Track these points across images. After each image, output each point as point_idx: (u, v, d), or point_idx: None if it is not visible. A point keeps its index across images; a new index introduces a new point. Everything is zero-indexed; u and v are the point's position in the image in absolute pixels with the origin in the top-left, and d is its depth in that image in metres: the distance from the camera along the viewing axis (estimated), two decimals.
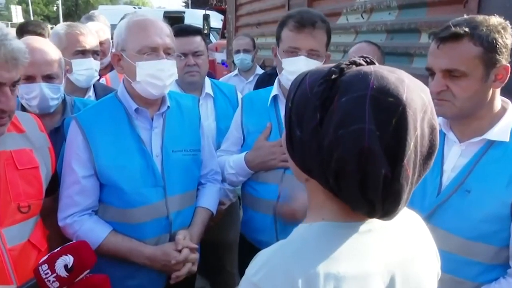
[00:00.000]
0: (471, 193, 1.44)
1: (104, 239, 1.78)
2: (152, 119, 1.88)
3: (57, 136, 1.97)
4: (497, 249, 1.40)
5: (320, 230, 0.88)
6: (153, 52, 1.77)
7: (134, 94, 1.85)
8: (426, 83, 0.88)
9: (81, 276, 1.39)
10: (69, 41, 2.42)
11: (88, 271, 1.42)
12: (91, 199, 1.82)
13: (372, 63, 0.87)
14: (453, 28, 1.40)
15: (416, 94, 0.79)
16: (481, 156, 1.46)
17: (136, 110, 1.84)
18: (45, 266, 1.35)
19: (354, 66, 0.85)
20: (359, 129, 0.76)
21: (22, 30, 3.33)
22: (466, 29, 1.38)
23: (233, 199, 2.62)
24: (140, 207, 1.80)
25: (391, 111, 0.76)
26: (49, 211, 1.76)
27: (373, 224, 0.89)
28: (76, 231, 1.79)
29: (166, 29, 1.84)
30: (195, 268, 1.93)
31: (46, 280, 1.34)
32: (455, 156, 1.53)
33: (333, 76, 0.82)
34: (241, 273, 0.91)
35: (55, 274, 1.34)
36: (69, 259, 1.36)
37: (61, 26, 2.53)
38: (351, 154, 0.77)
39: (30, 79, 1.89)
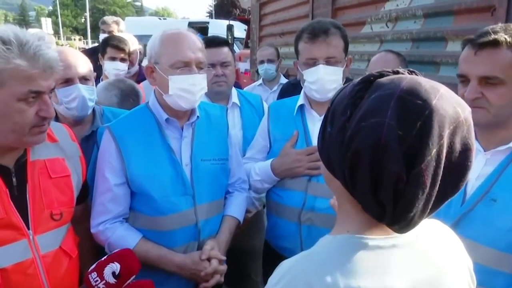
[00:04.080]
0: (497, 202, 1.40)
1: (134, 246, 1.80)
2: (182, 129, 1.91)
3: (88, 145, 2.02)
4: None
5: (344, 243, 0.87)
6: (186, 66, 1.79)
7: (165, 105, 1.88)
8: (455, 91, 0.86)
9: (128, 282, 1.45)
10: None
11: (134, 276, 1.47)
12: (122, 206, 1.86)
13: (415, 74, 0.86)
14: (493, 35, 1.38)
15: (450, 105, 0.78)
16: (507, 165, 1.43)
17: (167, 120, 1.88)
18: (94, 274, 1.43)
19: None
20: (378, 122, 0.76)
21: (106, 44, 3.46)
22: (506, 36, 1.36)
23: (259, 207, 2.62)
24: (169, 215, 1.83)
25: (417, 113, 0.75)
26: (79, 219, 1.78)
27: (399, 239, 0.87)
28: (108, 238, 1.83)
29: (199, 43, 1.86)
30: (222, 279, 1.95)
31: (96, 287, 1.41)
32: (480, 164, 1.49)
33: (371, 78, 0.84)
34: (266, 281, 0.91)
35: (104, 281, 1.42)
36: (116, 266, 1.43)
37: None
38: (367, 146, 0.76)
39: (68, 81, 1.97)
